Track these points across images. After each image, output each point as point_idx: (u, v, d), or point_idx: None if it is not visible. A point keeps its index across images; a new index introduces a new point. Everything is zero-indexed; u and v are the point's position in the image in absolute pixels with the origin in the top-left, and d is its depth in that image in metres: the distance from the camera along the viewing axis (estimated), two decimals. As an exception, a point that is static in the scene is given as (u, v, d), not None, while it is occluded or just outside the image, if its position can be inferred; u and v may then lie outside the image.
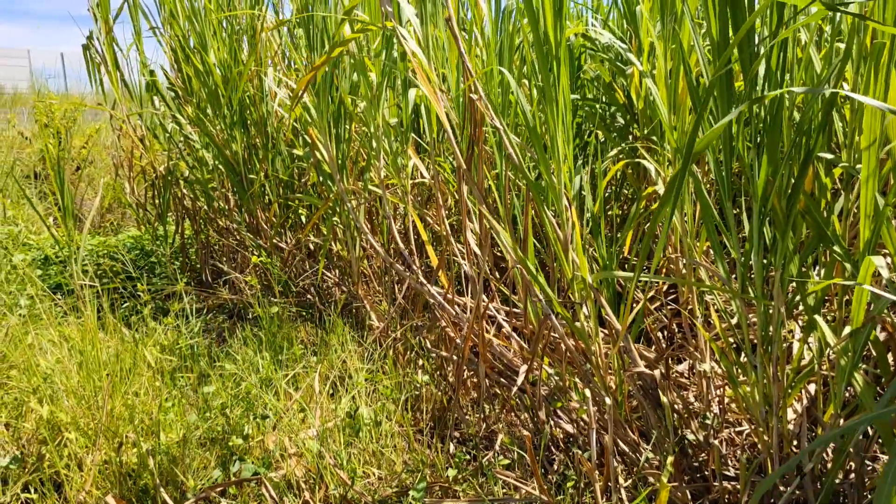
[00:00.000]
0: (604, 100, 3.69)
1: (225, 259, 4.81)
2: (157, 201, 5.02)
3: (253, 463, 2.43)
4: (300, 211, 4.40)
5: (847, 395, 2.20)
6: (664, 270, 3.03)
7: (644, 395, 2.39)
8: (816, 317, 1.88)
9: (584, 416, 2.56)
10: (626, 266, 3.14)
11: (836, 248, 1.82)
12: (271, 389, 2.86)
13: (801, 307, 2.05)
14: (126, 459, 2.50)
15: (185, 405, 2.85)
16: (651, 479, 2.23)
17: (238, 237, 4.60)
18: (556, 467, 2.53)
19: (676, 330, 3.12)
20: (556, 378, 2.68)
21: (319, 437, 2.54)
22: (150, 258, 5.01)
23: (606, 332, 2.59)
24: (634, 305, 2.75)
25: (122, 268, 4.56)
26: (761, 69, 1.87)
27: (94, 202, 5.16)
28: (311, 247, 4.41)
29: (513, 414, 2.83)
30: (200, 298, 4.44)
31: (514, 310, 3.08)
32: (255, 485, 2.36)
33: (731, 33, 1.80)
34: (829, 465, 1.94)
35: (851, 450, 1.84)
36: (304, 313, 3.91)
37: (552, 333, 2.67)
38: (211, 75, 4.19)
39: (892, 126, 1.91)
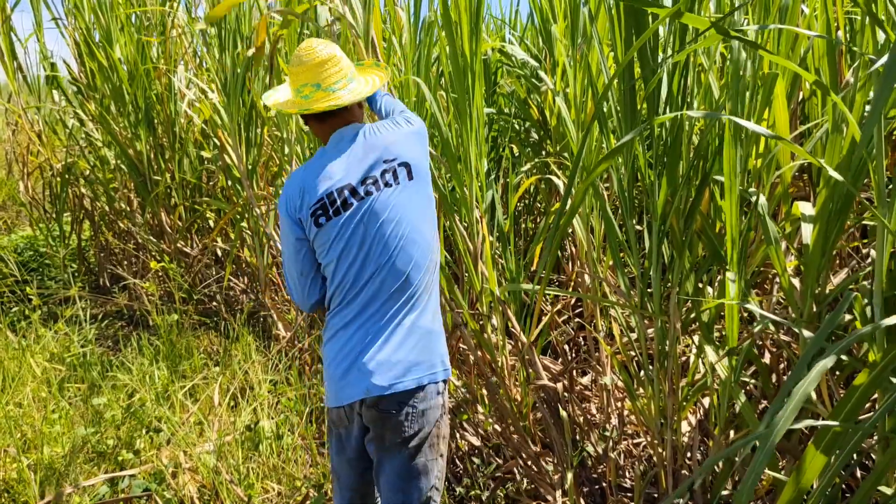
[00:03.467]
0: (519, 115, 3.73)
1: (125, 263, 4.59)
2: (53, 200, 4.75)
3: (144, 478, 2.32)
4: (208, 215, 4.26)
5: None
6: (572, 284, 3.09)
7: (547, 407, 2.42)
8: (700, 336, 1.94)
9: (489, 429, 2.57)
10: (536, 279, 3.18)
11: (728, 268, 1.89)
12: (167, 401, 2.73)
13: (696, 323, 2.12)
14: (5, 475, 2.34)
15: (74, 417, 2.69)
16: (548, 498, 2.25)
17: (139, 241, 4.40)
18: (461, 479, 2.52)
19: (582, 342, 3.18)
20: (464, 390, 2.68)
21: (216, 451, 2.44)
22: (43, 260, 4.73)
23: (513, 343, 2.61)
24: (543, 318, 2.79)
25: (10, 271, 4.28)
26: (663, 93, 1.94)
27: (-17, 199, 4.83)
28: (219, 252, 4.28)
29: (419, 426, 2.80)
30: (97, 304, 4.22)
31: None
32: (145, 501, 2.25)
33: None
34: (718, 476, 2.02)
35: (737, 459, 1.91)
36: (207, 322, 3.77)
37: (461, 345, 2.67)
38: (116, 71, 4.00)
39: (782, 153, 2.02)
